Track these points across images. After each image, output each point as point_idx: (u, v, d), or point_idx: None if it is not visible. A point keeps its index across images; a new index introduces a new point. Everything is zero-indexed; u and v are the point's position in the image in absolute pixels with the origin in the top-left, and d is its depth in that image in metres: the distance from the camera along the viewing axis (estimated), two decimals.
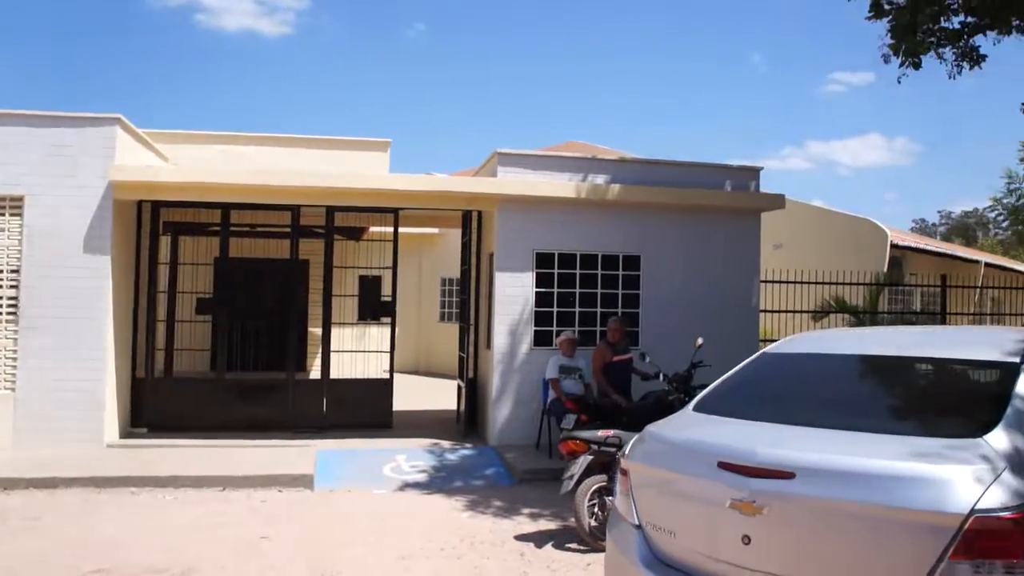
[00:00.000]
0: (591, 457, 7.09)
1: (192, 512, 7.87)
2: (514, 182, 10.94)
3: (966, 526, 2.94)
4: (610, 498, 6.69)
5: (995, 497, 2.97)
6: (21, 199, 10.21)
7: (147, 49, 64.08)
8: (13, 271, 10.19)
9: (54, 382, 10.08)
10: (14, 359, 10.12)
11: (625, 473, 4.16)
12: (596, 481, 6.89)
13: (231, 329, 11.80)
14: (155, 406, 11.19)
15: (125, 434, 10.86)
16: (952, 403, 4.12)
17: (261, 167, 12.05)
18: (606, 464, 7.08)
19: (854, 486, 3.18)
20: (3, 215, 10.22)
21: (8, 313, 10.16)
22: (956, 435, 3.43)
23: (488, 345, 11.25)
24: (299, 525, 7.45)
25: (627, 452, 4.24)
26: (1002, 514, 2.94)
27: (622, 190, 11.16)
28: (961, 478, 3.04)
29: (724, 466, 3.54)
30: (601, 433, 7.19)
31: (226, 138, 14.03)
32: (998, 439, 3.28)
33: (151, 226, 11.45)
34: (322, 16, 61.52)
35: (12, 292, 10.18)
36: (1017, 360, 3.87)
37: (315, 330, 12.56)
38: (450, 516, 7.80)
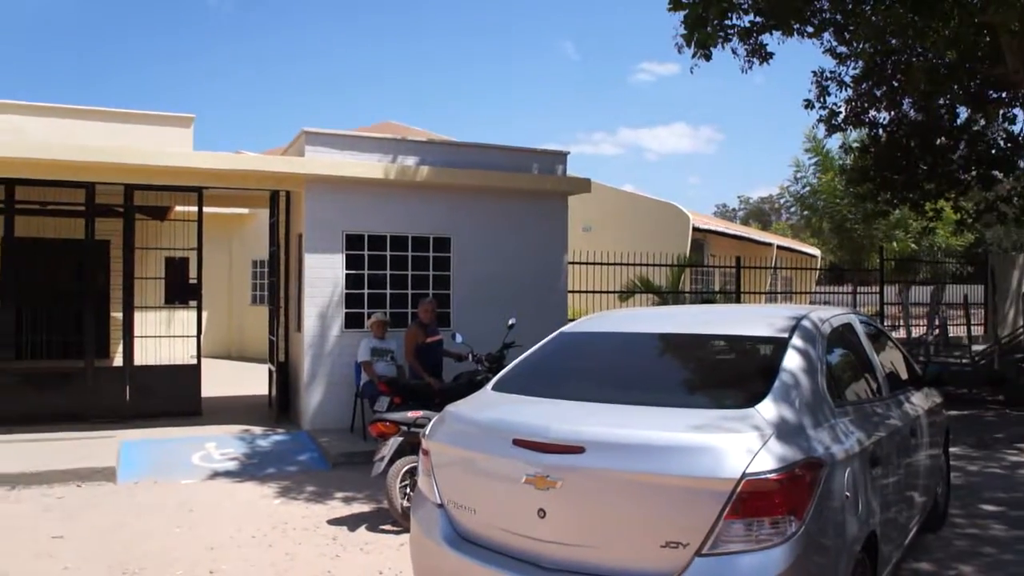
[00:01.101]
0: (402, 439, 7.14)
1: None
2: (321, 162, 10.78)
3: (738, 489, 3.22)
4: None
5: (762, 462, 3.27)
6: None
7: None
8: None
9: None
10: None
11: (427, 453, 4.25)
12: (408, 462, 6.96)
13: (19, 315, 11.02)
14: None
15: None
16: (729, 377, 4.47)
17: (48, 140, 11.28)
18: (417, 445, 7.15)
19: (639, 457, 3.42)
20: None
21: None
22: (731, 406, 3.76)
23: (299, 328, 11.08)
24: (100, 521, 7.09)
25: (428, 432, 4.34)
26: (768, 475, 3.24)
27: (431, 172, 11.21)
28: (733, 446, 3.33)
29: (519, 443, 3.69)
30: (411, 414, 7.26)
31: (5, 106, 12.98)
32: (767, 409, 3.60)
33: None
34: None
35: None
36: (786, 336, 4.24)
37: (117, 315, 11.94)
38: (262, 503, 7.66)
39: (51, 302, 11.91)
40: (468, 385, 8.81)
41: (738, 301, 15.30)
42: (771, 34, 10.45)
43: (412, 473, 6.91)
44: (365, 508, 7.50)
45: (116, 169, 10.35)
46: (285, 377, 11.59)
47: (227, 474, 8.75)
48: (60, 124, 12.69)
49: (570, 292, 12.67)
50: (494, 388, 4.59)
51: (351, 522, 7.06)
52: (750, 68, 10.80)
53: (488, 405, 4.36)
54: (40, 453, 9.08)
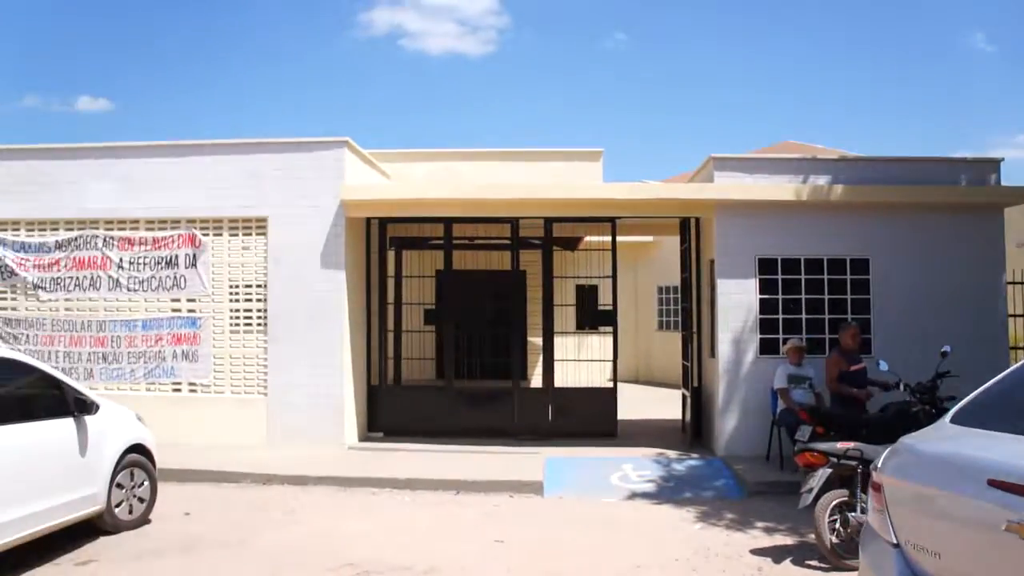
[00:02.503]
0: (830, 470, 6.75)
1: (429, 513, 8.20)
2: (731, 187, 10.65)
3: None
4: (852, 514, 6.37)
5: None
6: (265, 220, 11.09)
7: (356, 75, 67.79)
8: (260, 286, 11.08)
9: (299, 388, 10.86)
10: (265, 367, 10.99)
11: (878, 488, 3.92)
12: (836, 496, 6.56)
13: (456, 339, 12.19)
14: (389, 412, 11.78)
15: (363, 438, 11.50)
16: None
17: (478, 182, 12.44)
18: (846, 478, 6.72)
19: None
20: (250, 235, 11.15)
21: (258, 324, 11.06)
22: None
23: (712, 354, 11.02)
24: (532, 530, 7.57)
25: (880, 465, 4.00)
26: None
27: (845, 190, 10.59)
28: None
29: (996, 484, 3.25)
30: (840, 445, 6.83)
31: (442, 155, 14.63)
32: None
33: (379, 241, 12.08)
34: (523, 32, 62.70)
35: (260, 305, 11.06)
36: None
37: (533, 339, 12.78)
38: (681, 527, 7.67)
39: (480, 327, 13.08)
40: (898, 416, 8.17)
41: None
42: None
43: (841, 508, 6.50)
44: (788, 540, 7.19)
45: (539, 204, 11.13)
46: (698, 402, 11.58)
47: (645, 495, 8.89)
48: (487, 166, 14.01)
49: (1012, 316, 11.25)
50: (953, 420, 4.13)
51: (774, 554, 6.80)
52: None
53: (950, 439, 3.92)
54: (476, 464, 9.94)
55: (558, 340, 12.29)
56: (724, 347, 10.59)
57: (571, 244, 13.97)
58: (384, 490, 9.17)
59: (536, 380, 13.06)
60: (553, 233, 11.96)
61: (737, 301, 10.58)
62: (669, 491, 9.03)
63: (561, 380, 12.07)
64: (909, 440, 4.02)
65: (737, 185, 10.67)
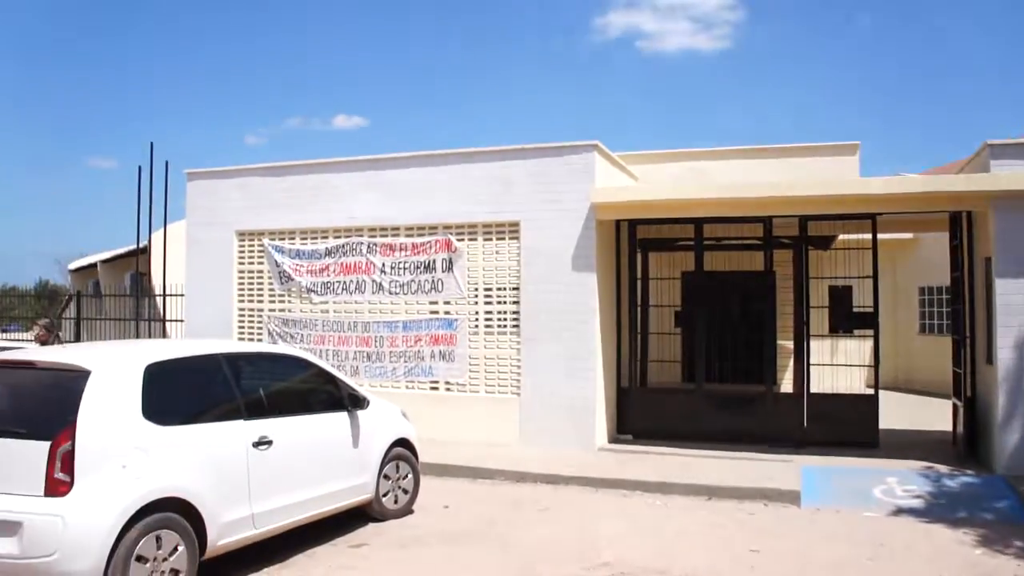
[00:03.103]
0: None
1: (681, 518, 8.12)
2: (1012, 176, 9.70)
3: None
4: None
5: None
6: (517, 224, 11.43)
7: (595, 79, 68.37)
8: (514, 288, 11.42)
9: (551, 389, 11.10)
10: (518, 367, 11.33)
11: None
12: None
13: (707, 341, 11.95)
14: (638, 414, 11.78)
15: (612, 439, 11.58)
16: None
17: (726, 181, 12.15)
18: None
19: None
20: (503, 239, 11.53)
21: (512, 326, 11.41)
22: None
23: (989, 360, 10.10)
24: (789, 541, 7.31)
25: None
26: None
27: None
28: None
29: None
30: None
31: (689, 154, 14.44)
32: None
33: (629, 243, 12.08)
34: (759, 26, 60.70)
35: (514, 307, 11.42)
36: None
37: (783, 342, 12.29)
38: (959, 550, 7.08)
39: (728, 329, 12.75)
40: None
41: None
42: None
43: None
44: None
45: (791, 202, 10.70)
46: (972, 414, 10.66)
47: (912, 512, 8.31)
48: (736, 165, 13.67)
49: None
50: None
51: None
52: None
53: None
54: (728, 470, 9.73)
55: (812, 344, 11.73)
56: (1004, 353, 9.66)
57: (824, 243, 13.30)
58: (635, 492, 9.18)
59: (786, 385, 12.55)
60: (808, 232, 11.44)
61: (1019, 303, 9.63)
62: (940, 509, 8.38)
63: (815, 385, 11.52)
64: None
65: (1018, 175, 9.71)
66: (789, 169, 13.16)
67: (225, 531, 5.95)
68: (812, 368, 11.38)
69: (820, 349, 12.61)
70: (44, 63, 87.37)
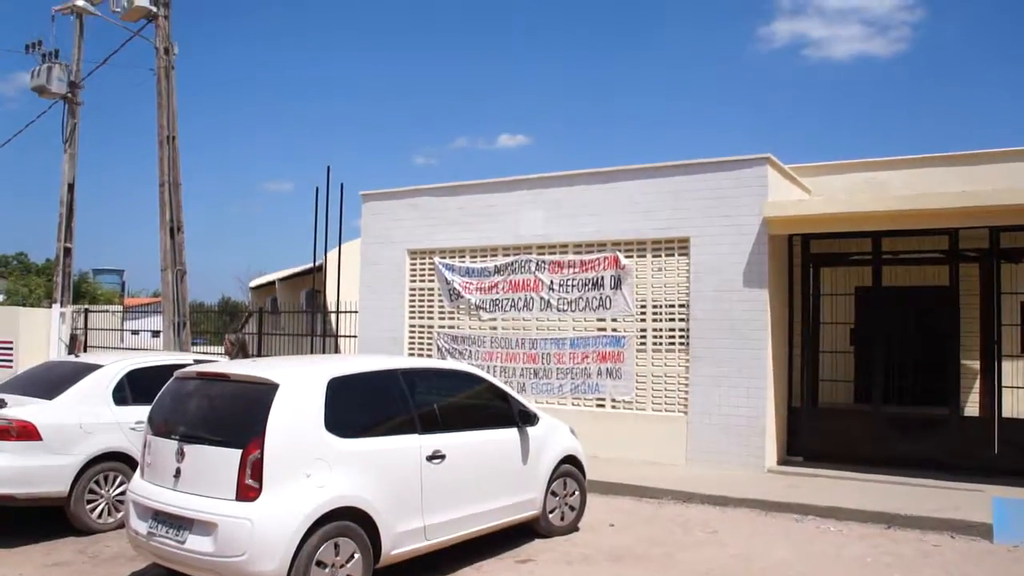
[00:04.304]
0: None
1: (858, 547, 7.76)
2: None
3: None
4: None
5: None
6: (687, 240, 11.30)
7: (763, 90, 66.53)
8: (682, 305, 11.29)
9: (720, 408, 10.89)
10: (686, 385, 11.19)
11: None
12: None
13: (884, 360, 11.38)
14: (809, 436, 11.35)
15: (782, 461, 11.21)
16: None
17: (906, 191, 11.57)
18: None
19: None
20: (672, 255, 11.43)
21: (680, 343, 11.28)
22: None
23: None
24: None
25: None
26: None
27: None
28: None
29: None
30: None
31: (865, 165, 13.85)
32: None
33: (802, 258, 11.69)
34: (942, 26, 57.43)
35: (682, 324, 11.30)
36: None
37: (967, 362, 11.53)
38: None
39: (905, 348, 12.06)
40: None
41: None
42: None
43: None
44: None
45: (980, 212, 10.07)
46: None
47: None
48: (918, 174, 12.99)
49: None
50: None
51: None
52: None
53: None
54: (908, 497, 9.25)
55: (1003, 364, 10.96)
56: None
57: (1018, 256, 12.39)
58: (807, 517, 8.86)
59: (972, 408, 11.77)
60: (999, 243, 10.72)
61: None
62: None
63: (1008, 410, 10.73)
64: None
65: None
66: (974, 177, 12.37)
67: (398, 541, 6.16)
68: (1004, 390, 10.63)
69: (1012, 370, 11.74)
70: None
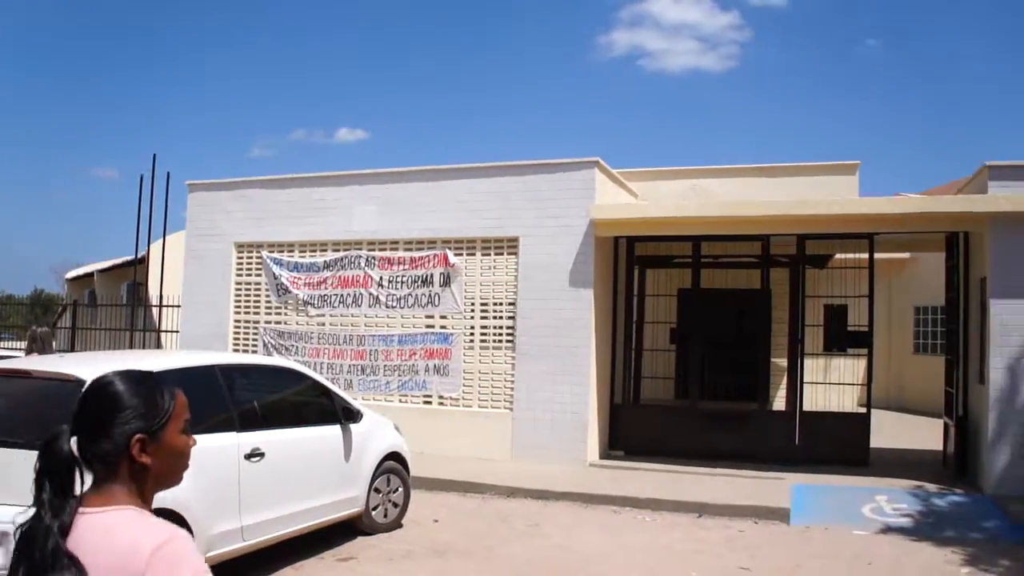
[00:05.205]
0: None
1: (671, 535, 8.15)
2: (1010, 198, 9.73)
3: None
4: None
5: None
6: (516, 240, 11.49)
7: (598, 97, 68.41)
8: (510, 304, 11.48)
9: (544, 404, 11.13)
10: (511, 382, 11.38)
11: None
12: None
13: (702, 358, 11.99)
14: (630, 431, 11.80)
15: (604, 455, 11.59)
16: None
17: (726, 199, 12.22)
18: None
19: None
20: (501, 254, 11.59)
21: (507, 341, 11.46)
22: None
23: (981, 380, 10.14)
24: (779, 559, 7.34)
25: None
26: None
27: None
28: None
29: None
30: None
31: (690, 172, 14.53)
32: None
33: (627, 260, 12.14)
34: (766, 45, 60.89)
35: (510, 322, 11.47)
36: None
37: (777, 360, 12.32)
38: (946, 569, 7.12)
39: (723, 347, 12.78)
40: None
41: None
42: None
43: None
44: None
45: (790, 221, 10.76)
46: (964, 433, 10.69)
47: (901, 530, 8.33)
48: (737, 183, 13.75)
49: None
50: None
51: None
52: None
53: None
54: (718, 487, 9.77)
55: (805, 362, 11.77)
56: (996, 374, 9.72)
57: (821, 262, 13.36)
58: (625, 509, 9.21)
59: (779, 403, 12.60)
60: (805, 250, 11.50)
61: (1012, 323, 9.68)
62: (929, 528, 8.42)
63: (808, 404, 11.55)
64: None
65: (1016, 196, 9.76)
66: (789, 188, 13.24)
67: (213, 543, 5.95)
68: (805, 386, 11.43)
69: (814, 367, 12.63)
70: (46, 69, 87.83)
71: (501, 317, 11.56)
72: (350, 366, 12.17)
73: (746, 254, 12.51)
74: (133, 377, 1.82)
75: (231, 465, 6.21)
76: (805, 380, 11.40)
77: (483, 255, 11.69)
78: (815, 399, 11.56)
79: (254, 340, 12.93)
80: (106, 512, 1.70)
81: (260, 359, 9.75)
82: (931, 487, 9.94)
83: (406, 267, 11.96)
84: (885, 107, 61.03)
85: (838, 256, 12.56)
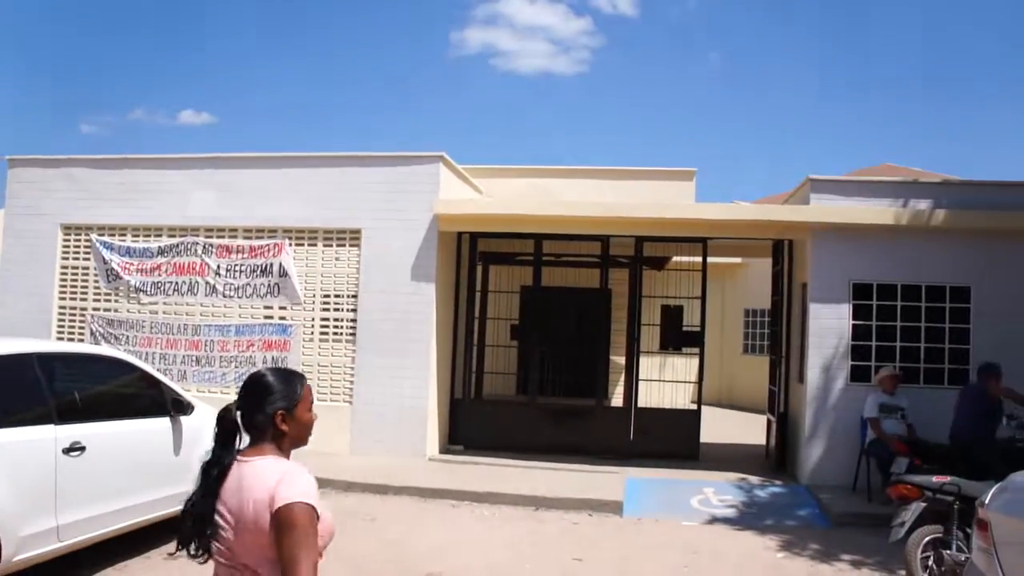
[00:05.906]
0: (924, 504, 6.53)
1: (509, 528, 8.23)
2: (828, 209, 10.40)
3: None
4: (948, 552, 6.15)
5: None
6: (359, 232, 11.32)
7: (448, 93, 68.45)
8: (352, 296, 11.29)
9: (384, 398, 11.02)
10: (351, 376, 11.19)
11: (984, 526, 3.79)
12: (930, 531, 6.33)
13: (540, 355, 12.17)
14: (470, 425, 11.84)
15: (444, 450, 11.58)
16: None
17: (569, 199, 12.45)
18: (941, 514, 6.48)
19: None
20: (344, 246, 11.38)
21: (348, 334, 11.27)
22: None
23: (801, 379, 10.78)
24: (611, 551, 7.53)
25: (987, 502, 3.86)
26: None
27: (947, 216, 10.19)
28: None
29: None
30: (936, 479, 6.59)
31: (535, 171, 14.73)
32: None
33: (470, 256, 12.18)
34: (616, 53, 62.58)
35: (352, 315, 11.28)
36: None
37: (615, 358, 12.67)
38: (763, 555, 7.52)
39: (564, 344, 13.06)
40: (1007, 451, 7.90)
41: None
42: None
43: (935, 544, 6.27)
44: (876, 575, 6.98)
45: (629, 223, 11.08)
46: (784, 429, 11.33)
47: (726, 520, 8.74)
48: (579, 184, 14.05)
49: None
50: None
51: None
52: None
53: None
54: (557, 481, 9.93)
55: (643, 360, 12.17)
56: (813, 373, 10.35)
57: (659, 264, 13.84)
58: (464, 503, 9.23)
59: (617, 399, 12.96)
60: (643, 252, 11.87)
61: (829, 326, 10.33)
62: (751, 517, 8.87)
63: (644, 400, 11.94)
64: (1021, 477, 3.87)
65: (834, 208, 10.41)
66: (629, 191, 13.65)
67: (24, 545, 5.51)
68: (640, 383, 11.80)
69: (650, 365, 13.05)
70: None
71: (342, 310, 11.35)
72: (184, 356, 11.66)
73: (587, 254, 12.80)
74: (279, 371, 2.72)
75: (47, 460, 5.78)
76: (641, 377, 11.77)
77: (325, 246, 11.44)
78: (650, 396, 11.94)
79: (81, 328, 12.17)
80: (257, 459, 2.60)
81: (84, 348, 9.17)
82: (754, 479, 10.47)
83: (245, 255, 11.56)
84: (723, 118, 63.83)
85: (675, 259, 13.03)
